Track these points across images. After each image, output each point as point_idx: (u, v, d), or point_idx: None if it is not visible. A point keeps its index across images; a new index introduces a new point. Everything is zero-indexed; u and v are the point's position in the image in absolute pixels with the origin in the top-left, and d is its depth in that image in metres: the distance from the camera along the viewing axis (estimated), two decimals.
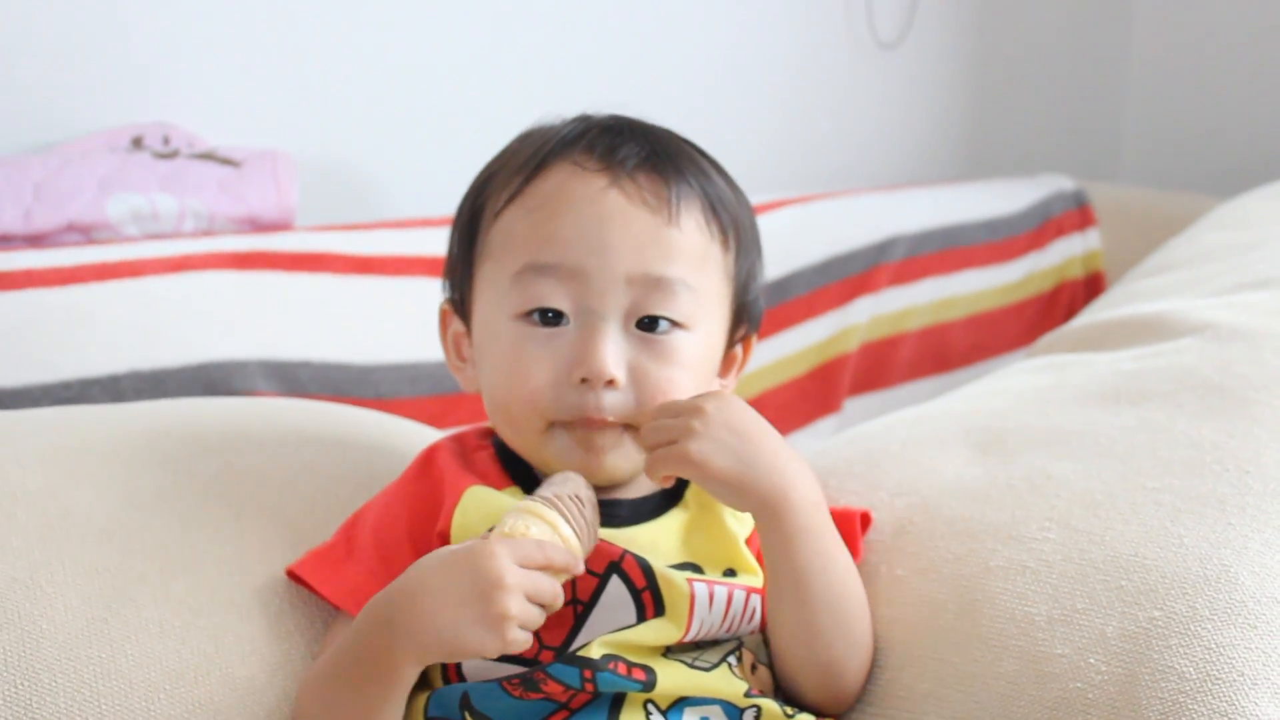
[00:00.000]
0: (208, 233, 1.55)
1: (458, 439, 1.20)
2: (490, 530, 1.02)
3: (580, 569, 1.01)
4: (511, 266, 1.11)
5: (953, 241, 2.17)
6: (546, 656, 1.05)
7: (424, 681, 1.09)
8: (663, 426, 1.07)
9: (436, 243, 1.64)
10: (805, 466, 1.11)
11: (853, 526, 1.22)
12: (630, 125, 1.17)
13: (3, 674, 1.01)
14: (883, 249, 2.09)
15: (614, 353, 1.08)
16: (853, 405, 2.04)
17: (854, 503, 1.27)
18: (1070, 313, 2.22)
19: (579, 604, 1.07)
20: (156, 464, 1.19)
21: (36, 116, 1.62)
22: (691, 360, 1.12)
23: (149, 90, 1.69)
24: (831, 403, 2.01)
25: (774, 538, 1.08)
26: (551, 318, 1.10)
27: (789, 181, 2.26)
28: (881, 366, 2.09)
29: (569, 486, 1.04)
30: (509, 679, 1.04)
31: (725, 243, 1.15)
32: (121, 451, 1.19)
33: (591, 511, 1.04)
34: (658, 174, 1.12)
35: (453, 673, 1.09)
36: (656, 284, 1.10)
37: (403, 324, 1.59)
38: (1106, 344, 1.50)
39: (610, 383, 1.08)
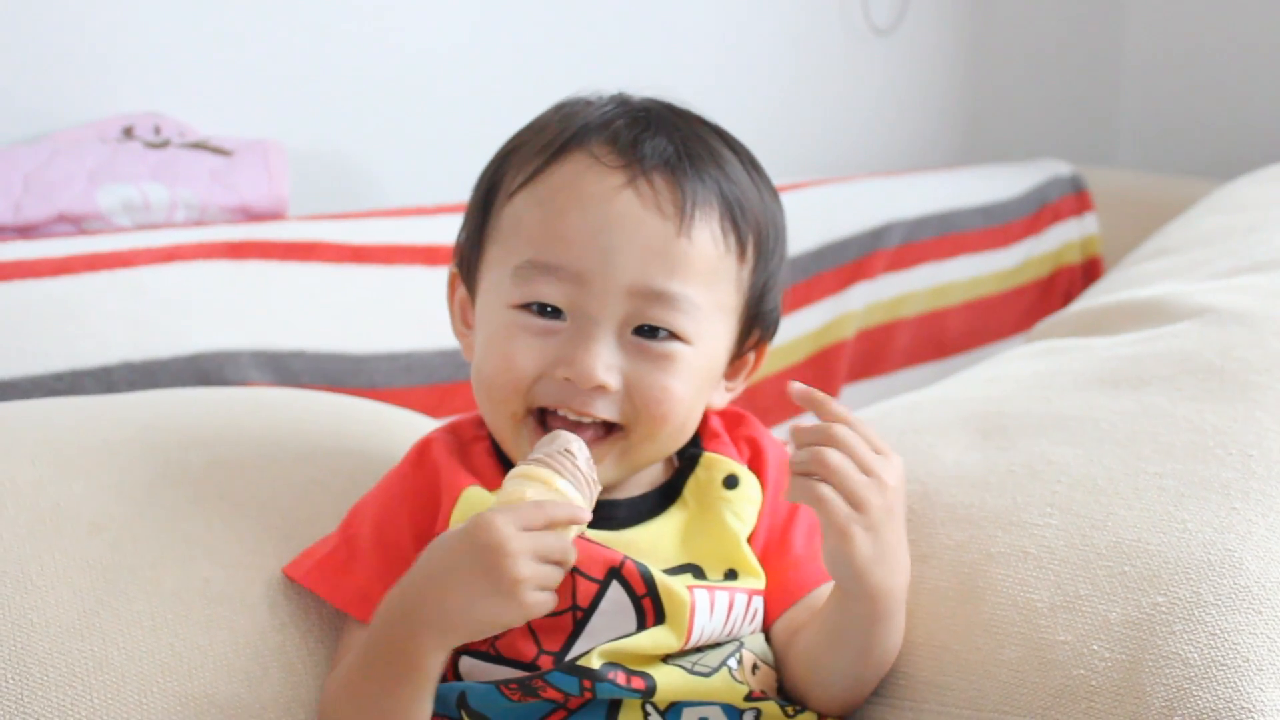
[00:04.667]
0: (199, 223, 1.55)
1: (452, 429, 1.18)
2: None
3: (587, 517, 0.99)
4: (516, 258, 1.09)
5: (949, 227, 2.17)
6: (545, 661, 1.05)
7: None
8: (851, 476, 0.98)
9: (429, 231, 1.65)
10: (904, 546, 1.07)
11: None
12: (660, 116, 1.13)
13: None
14: (879, 235, 2.08)
15: (605, 359, 1.06)
16: (849, 392, 2.04)
17: None
18: (1068, 298, 2.22)
19: (578, 610, 1.06)
20: (148, 456, 1.18)
21: (26, 107, 1.61)
22: (689, 371, 1.09)
23: (139, 80, 1.68)
24: (828, 390, 2.00)
25: (863, 621, 1.04)
26: (549, 312, 1.08)
27: (784, 168, 2.24)
28: (878, 353, 2.08)
29: (557, 443, 1.02)
30: (506, 683, 1.03)
31: (741, 255, 1.11)
32: (113, 443, 1.19)
33: (585, 462, 1.02)
34: (676, 177, 1.07)
35: (450, 672, 1.08)
36: (658, 298, 1.06)
37: (396, 313, 1.58)
38: (1105, 329, 1.50)
39: (599, 388, 1.06)
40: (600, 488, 1.03)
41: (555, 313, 1.08)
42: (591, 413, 1.07)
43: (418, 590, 0.98)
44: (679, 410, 1.09)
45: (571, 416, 1.08)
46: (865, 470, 0.99)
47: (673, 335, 1.08)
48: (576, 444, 1.02)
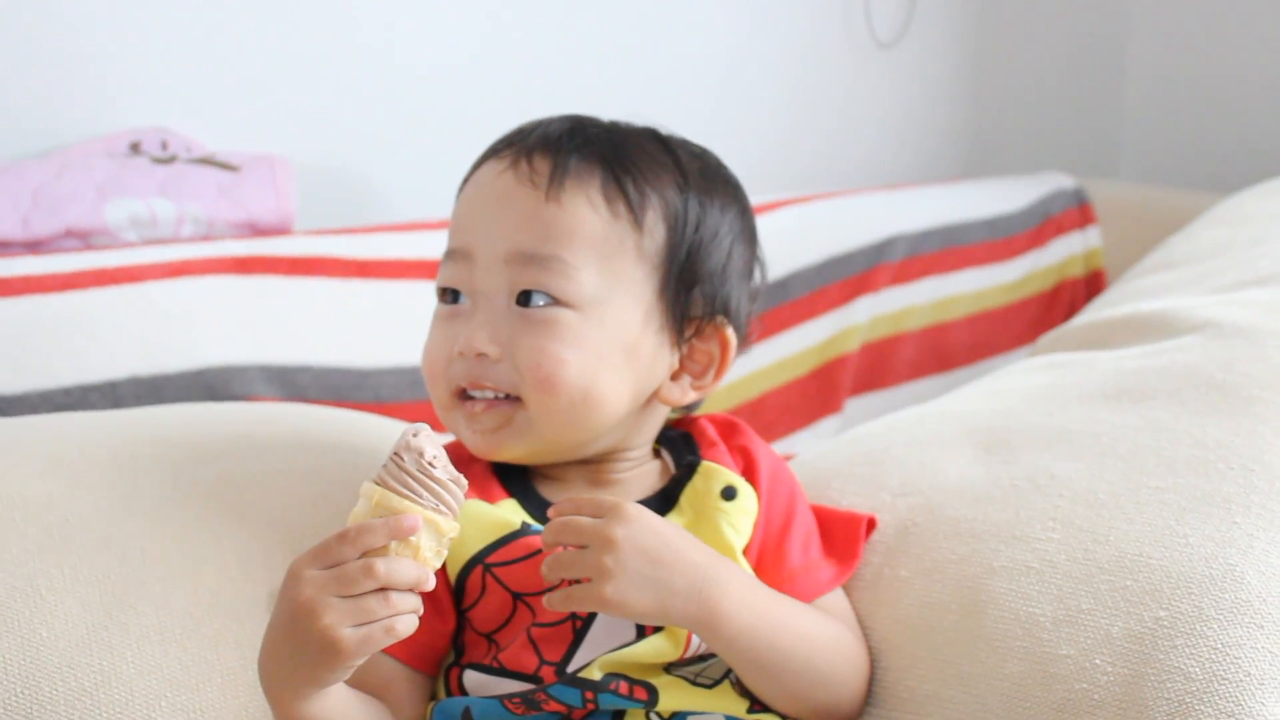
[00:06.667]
0: (206, 238, 1.55)
1: (453, 446, 1.18)
2: None
3: (408, 525, 0.91)
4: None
5: (953, 240, 2.17)
6: (546, 672, 1.05)
7: (432, 694, 1.10)
8: (569, 561, 1.01)
9: (435, 246, 1.64)
10: (725, 563, 1.07)
11: (857, 531, 1.21)
12: (576, 116, 1.18)
13: (3, 682, 1.01)
14: (883, 248, 2.08)
15: (487, 330, 1.10)
16: (854, 405, 2.04)
17: (856, 504, 1.27)
18: (1071, 311, 2.22)
19: (578, 619, 1.06)
20: (156, 470, 1.19)
21: (34, 122, 1.62)
22: (576, 338, 1.09)
23: (147, 96, 1.69)
24: (833, 403, 2.01)
25: (714, 643, 1.05)
26: (451, 298, 1.14)
27: (788, 181, 2.25)
28: (882, 366, 2.08)
29: (393, 446, 0.94)
30: (510, 697, 1.04)
31: (636, 222, 1.12)
32: (121, 458, 1.19)
33: (417, 460, 0.92)
34: (553, 153, 1.12)
35: (455, 686, 1.08)
36: (530, 260, 1.10)
37: (403, 327, 1.58)
38: (1108, 342, 1.50)
39: (481, 356, 1.10)
40: (458, 479, 0.94)
41: (456, 296, 1.14)
42: (483, 383, 1.11)
43: (263, 644, 0.96)
44: (565, 375, 1.09)
45: (475, 393, 1.12)
46: (582, 543, 1.01)
47: (554, 301, 1.10)
48: (418, 440, 0.94)
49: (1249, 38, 2.59)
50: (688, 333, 1.16)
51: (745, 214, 1.21)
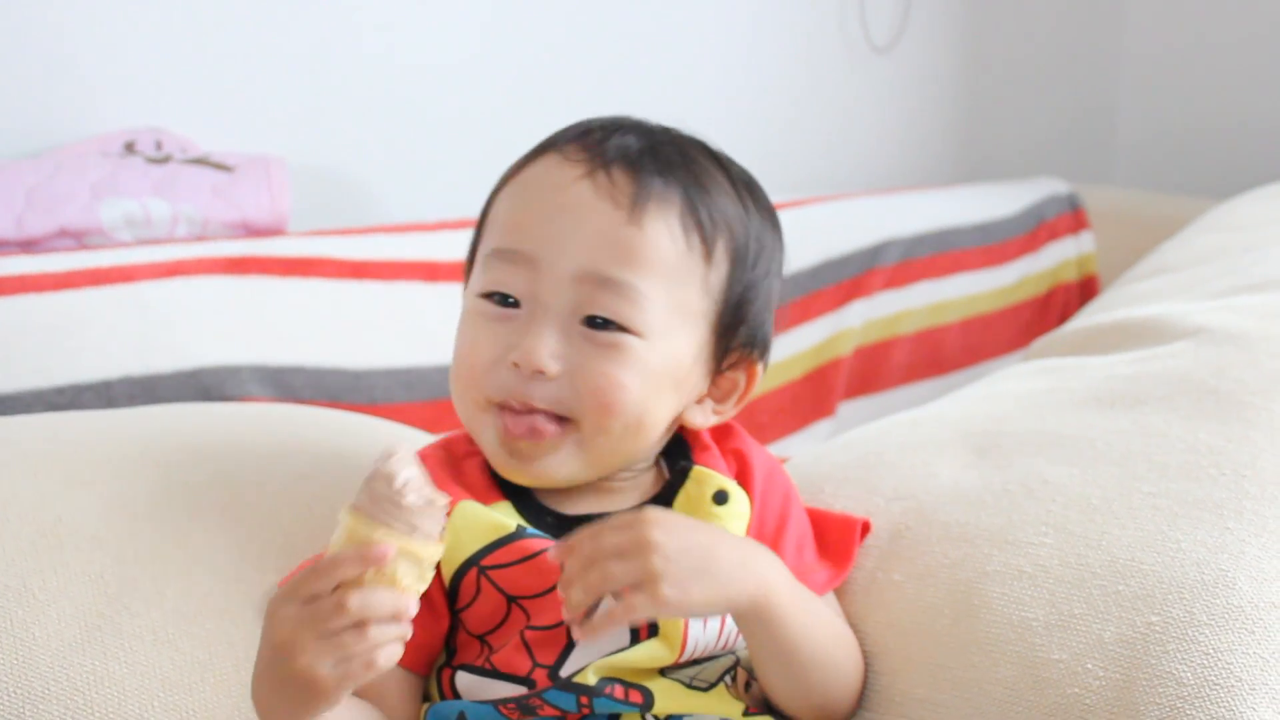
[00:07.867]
0: (201, 238, 1.55)
1: (445, 445, 1.17)
2: None
3: (377, 555, 0.88)
4: (486, 249, 1.11)
5: (946, 245, 2.18)
6: (539, 675, 1.04)
7: (425, 694, 1.10)
8: (611, 575, 0.96)
9: (430, 247, 1.65)
10: (760, 547, 1.07)
11: (851, 535, 1.21)
12: (643, 124, 1.14)
13: None
14: (876, 253, 2.09)
15: (549, 344, 1.05)
16: (847, 409, 2.04)
17: (849, 508, 1.27)
18: (1064, 316, 2.23)
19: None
20: (149, 470, 1.19)
21: (29, 122, 1.62)
22: (640, 366, 1.07)
23: (142, 96, 1.69)
24: (825, 406, 2.01)
25: (757, 628, 1.04)
26: (508, 301, 1.08)
27: (783, 185, 2.25)
28: (876, 370, 2.09)
29: (372, 470, 0.91)
30: (504, 702, 1.03)
31: (707, 256, 1.10)
32: (114, 458, 1.19)
33: (385, 484, 0.89)
34: (634, 170, 1.08)
35: (446, 687, 1.08)
36: (605, 284, 1.06)
37: (397, 328, 1.59)
38: (1101, 348, 1.50)
39: (540, 373, 1.05)
40: (434, 500, 0.91)
41: (513, 301, 1.08)
42: (533, 403, 1.06)
43: (253, 673, 0.94)
44: (626, 400, 1.07)
45: (517, 407, 1.07)
46: (621, 553, 0.97)
47: (621, 328, 1.07)
48: (388, 466, 0.90)
49: (1243, 43, 2.60)
50: (725, 364, 1.15)
51: (782, 246, 1.19)
